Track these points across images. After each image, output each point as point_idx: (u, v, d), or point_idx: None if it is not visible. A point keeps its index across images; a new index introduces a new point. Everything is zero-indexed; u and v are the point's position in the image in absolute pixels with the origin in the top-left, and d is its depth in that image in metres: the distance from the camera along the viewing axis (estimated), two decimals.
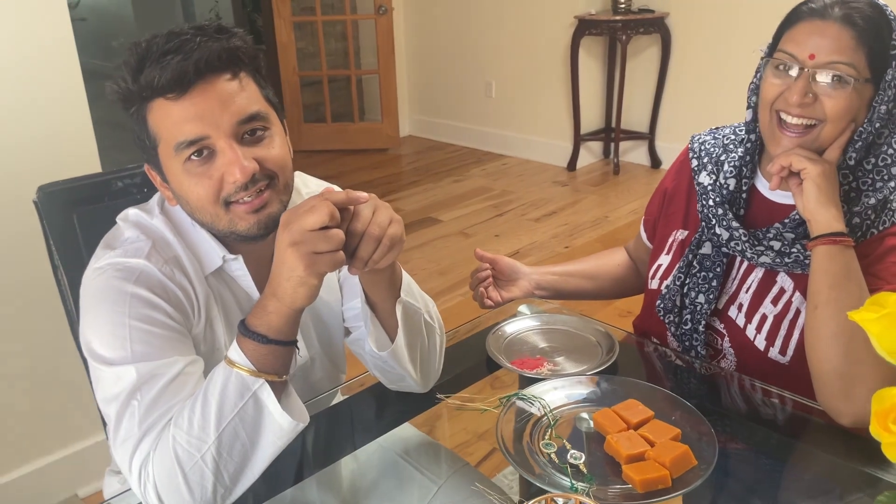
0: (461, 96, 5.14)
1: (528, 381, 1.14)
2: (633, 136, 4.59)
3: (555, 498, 0.75)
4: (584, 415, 1.05)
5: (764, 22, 1.24)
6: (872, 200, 1.07)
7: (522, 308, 1.42)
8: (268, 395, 0.87)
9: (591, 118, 4.68)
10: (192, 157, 0.92)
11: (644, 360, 1.28)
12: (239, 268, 1.05)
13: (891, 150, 1.07)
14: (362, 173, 4.77)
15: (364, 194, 0.89)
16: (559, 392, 1.11)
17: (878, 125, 1.06)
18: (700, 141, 1.27)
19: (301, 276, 0.84)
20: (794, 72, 1.05)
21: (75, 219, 1.20)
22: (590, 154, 4.75)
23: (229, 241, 1.02)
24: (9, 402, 1.83)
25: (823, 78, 1.03)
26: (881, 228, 1.08)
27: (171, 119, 0.91)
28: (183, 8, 7.68)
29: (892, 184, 1.07)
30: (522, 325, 1.31)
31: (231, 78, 0.94)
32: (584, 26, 4.28)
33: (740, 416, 1.13)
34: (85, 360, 0.97)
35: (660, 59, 4.33)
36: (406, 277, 1.09)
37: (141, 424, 0.88)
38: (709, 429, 0.98)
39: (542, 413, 1.05)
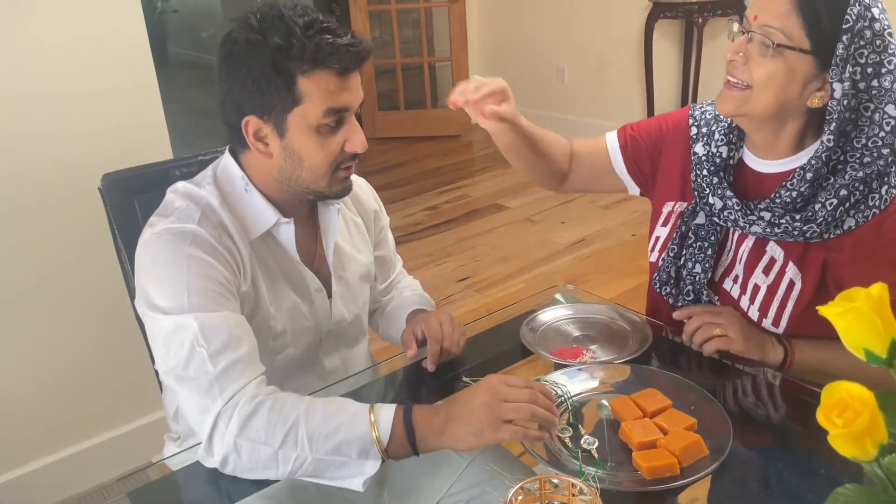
0: (534, 82, 5.11)
1: (563, 367, 1.16)
2: None
3: (550, 479, 0.78)
4: (605, 402, 1.06)
5: None
6: (860, 174, 1.06)
7: (558, 297, 1.43)
8: (372, 468, 0.95)
9: (667, 103, 4.57)
10: (331, 122, 1.06)
11: (678, 351, 1.27)
12: (288, 231, 1.15)
13: (882, 133, 1.05)
14: (434, 160, 4.83)
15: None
16: (585, 379, 1.13)
17: (852, 103, 1.03)
18: (701, 110, 1.27)
19: (482, 432, 0.92)
20: (735, 27, 1.08)
21: (136, 204, 1.29)
22: None
23: (286, 205, 1.15)
24: (80, 377, 1.97)
25: (755, 40, 1.05)
26: (882, 207, 1.07)
27: (331, 88, 1.04)
28: None
29: (882, 162, 1.05)
30: (556, 314, 1.32)
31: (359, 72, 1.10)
32: (659, 9, 4.18)
33: (767, 410, 1.12)
34: (142, 327, 1.08)
35: None
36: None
37: (215, 366, 0.98)
38: (725, 419, 0.98)
39: (561, 398, 1.07)
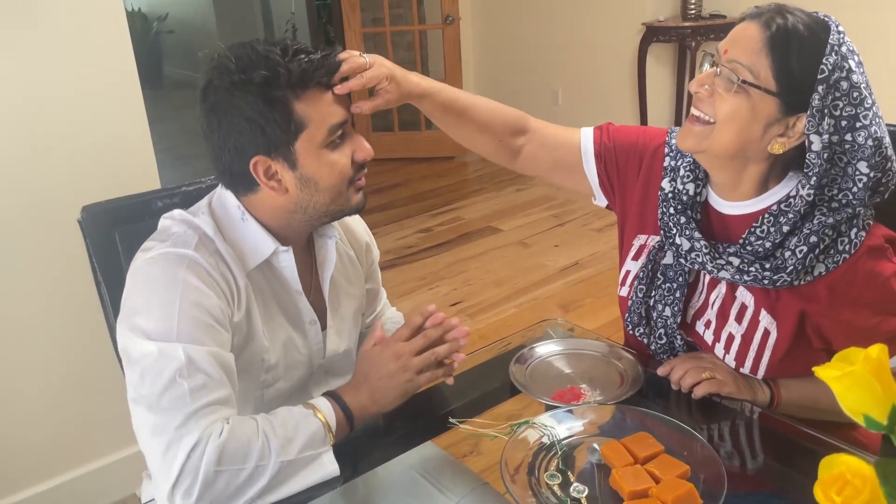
0: (527, 104, 5.07)
1: (553, 408, 1.13)
2: None
3: None
4: (596, 445, 1.03)
5: (847, 17, 1.18)
6: (830, 220, 1.03)
7: (549, 331, 1.40)
8: (328, 457, 1.03)
9: (661, 126, 4.57)
10: (336, 138, 1.06)
11: (669, 390, 1.24)
12: (288, 259, 1.13)
13: (855, 189, 1.02)
14: (428, 181, 4.82)
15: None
16: (574, 421, 1.09)
17: (825, 155, 1.01)
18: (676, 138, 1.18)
19: (406, 390, 1.11)
20: (707, 65, 1.06)
21: (117, 237, 1.26)
22: None
23: (286, 235, 1.14)
24: (62, 407, 1.93)
25: (723, 74, 1.03)
26: (852, 252, 1.05)
27: (325, 102, 1.04)
28: (263, 19, 7.95)
29: (850, 210, 1.04)
30: (546, 349, 1.29)
31: None
32: (652, 33, 4.19)
33: (762, 455, 1.09)
34: (119, 358, 1.04)
35: None
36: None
37: (195, 401, 0.95)
38: (719, 466, 0.95)
39: (550, 442, 1.04)
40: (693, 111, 1.07)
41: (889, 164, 1.03)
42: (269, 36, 7.77)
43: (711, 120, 1.05)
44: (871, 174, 1.01)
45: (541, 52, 4.94)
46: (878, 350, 0.52)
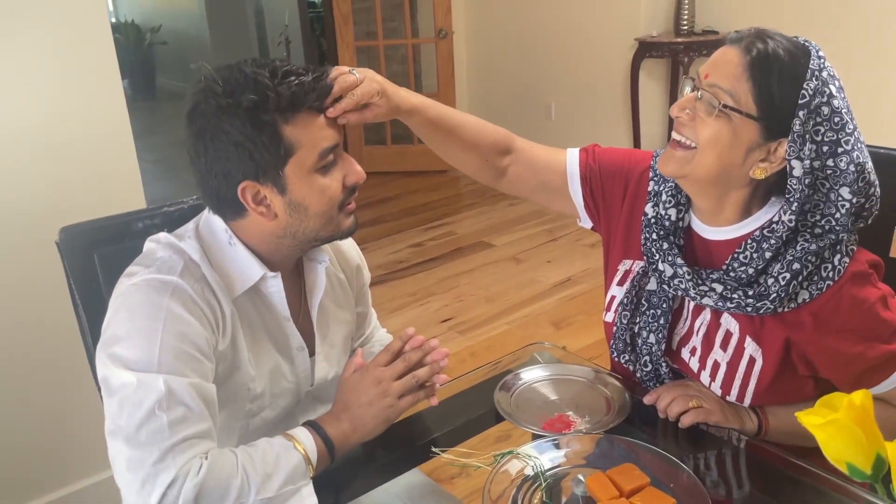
0: (521, 118, 5.11)
1: (539, 437, 1.11)
2: None
3: None
4: (581, 477, 1.00)
5: (829, 41, 1.17)
6: (813, 247, 1.02)
7: (536, 355, 1.38)
8: (308, 490, 1.01)
9: (653, 142, 4.58)
10: (327, 162, 1.04)
11: (656, 419, 1.22)
12: (276, 284, 1.10)
13: (838, 214, 1.01)
14: (420, 195, 4.80)
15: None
16: (561, 450, 1.07)
17: (807, 181, 1.00)
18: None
19: (387, 417, 1.09)
20: (688, 89, 1.05)
21: (96, 259, 1.24)
22: None
23: (274, 260, 1.11)
24: (38, 431, 1.90)
25: (704, 98, 1.02)
26: (836, 278, 1.03)
27: (316, 126, 1.01)
28: (256, 31, 7.96)
29: (833, 236, 1.03)
30: (532, 375, 1.26)
31: None
32: (645, 48, 4.20)
33: (747, 485, 1.08)
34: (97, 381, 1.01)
35: None
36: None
37: (173, 436, 0.92)
38: (706, 499, 0.93)
39: (535, 473, 1.02)
40: (674, 136, 1.06)
41: (872, 190, 1.02)
42: (262, 49, 7.83)
43: (693, 144, 1.04)
44: (854, 200, 1.00)
45: (534, 67, 4.94)
46: (861, 397, 0.50)
